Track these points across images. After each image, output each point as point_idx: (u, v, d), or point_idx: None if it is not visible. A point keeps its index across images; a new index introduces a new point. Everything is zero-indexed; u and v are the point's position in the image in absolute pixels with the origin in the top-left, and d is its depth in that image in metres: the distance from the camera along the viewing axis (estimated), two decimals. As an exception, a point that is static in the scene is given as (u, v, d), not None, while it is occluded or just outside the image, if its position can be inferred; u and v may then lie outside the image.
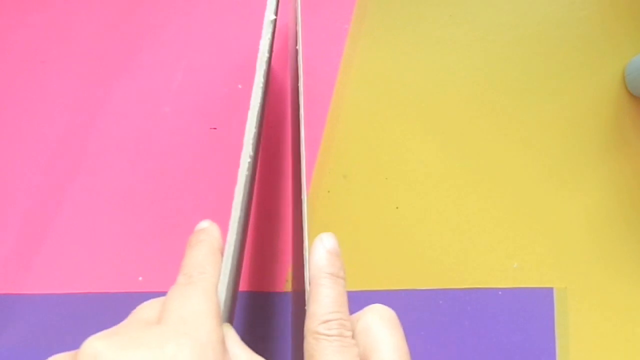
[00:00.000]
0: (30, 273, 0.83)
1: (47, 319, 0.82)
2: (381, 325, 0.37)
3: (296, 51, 0.54)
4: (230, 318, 0.42)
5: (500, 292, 0.85)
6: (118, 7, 0.90)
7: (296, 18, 0.57)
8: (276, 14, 0.52)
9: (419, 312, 0.83)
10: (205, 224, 0.41)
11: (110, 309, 0.82)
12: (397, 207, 0.85)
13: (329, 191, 0.85)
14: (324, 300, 0.37)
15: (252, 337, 0.80)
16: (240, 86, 0.84)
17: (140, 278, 0.81)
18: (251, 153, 0.44)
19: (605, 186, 0.87)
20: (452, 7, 0.89)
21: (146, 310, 0.34)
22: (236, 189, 0.42)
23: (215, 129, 0.82)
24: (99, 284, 0.82)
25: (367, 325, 0.38)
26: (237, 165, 0.43)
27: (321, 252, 0.40)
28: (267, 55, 0.49)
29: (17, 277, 0.83)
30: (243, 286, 0.82)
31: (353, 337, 0.37)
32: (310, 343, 0.35)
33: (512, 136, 0.88)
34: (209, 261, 0.37)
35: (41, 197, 0.84)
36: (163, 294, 0.36)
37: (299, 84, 0.50)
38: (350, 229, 0.84)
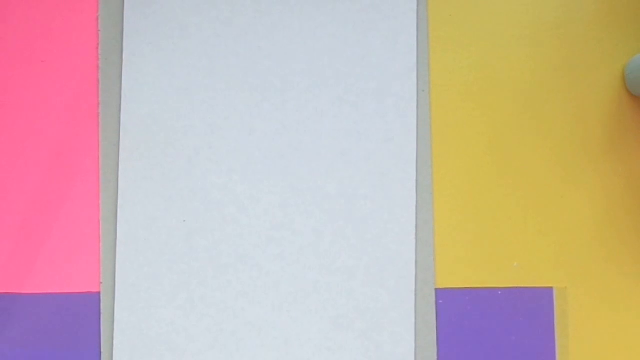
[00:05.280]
0: (30, 273, 0.83)
1: (47, 319, 0.82)
2: None
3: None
4: None
5: (500, 292, 0.85)
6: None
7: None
8: None
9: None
10: None
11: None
12: (397, 207, 0.85)
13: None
14: None
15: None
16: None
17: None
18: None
19: (605, 186, 0.87)
20: (452, 7, 0.89)
21: None
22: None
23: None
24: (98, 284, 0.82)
25: None
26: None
27: None
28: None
29: (17, 277, 0.83)
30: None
31: None
32: None
33: (511, 138, 0.88)
34: None
35: (41, 197, 0.84)
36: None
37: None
38: (350, 229, 0.85)
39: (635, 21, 0.90)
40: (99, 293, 0.83)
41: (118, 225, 0.84)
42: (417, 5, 0.89)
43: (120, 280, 0.83)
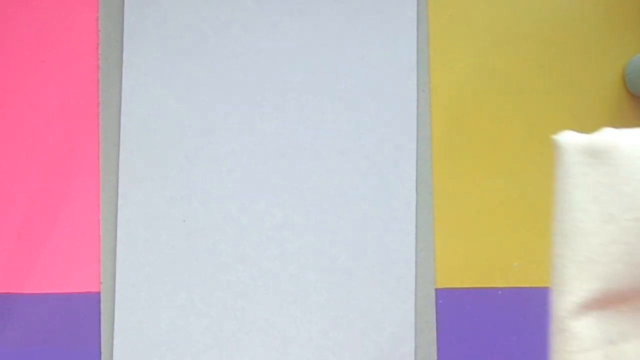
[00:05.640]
0: (30, 273, 0.83)
1: (47, 319, 0.82)
2: None
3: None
4: None
5: (500, 292, 0.85)
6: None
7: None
8: None
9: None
10: None
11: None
12: (397, 207, 0.85)
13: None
14: None
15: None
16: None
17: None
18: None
19: (605, 186, 0.87)
20: (452, 7, 0.89)
21: None
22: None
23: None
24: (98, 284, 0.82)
25: None
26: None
27: None
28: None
29: (17, 277, 0.83)
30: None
31: None
32: None
33: (512, 137, 0.88)
34: None
35: (41, 197, 0.84)
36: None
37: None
38: (350, 229, 0.85)
39: (635, 21, 0.90)
40: (99, 293, 0.83)
41: (118, 225, 0.84)
42: (417, 5, 0.89)
43: (120, 280, 0.83)
